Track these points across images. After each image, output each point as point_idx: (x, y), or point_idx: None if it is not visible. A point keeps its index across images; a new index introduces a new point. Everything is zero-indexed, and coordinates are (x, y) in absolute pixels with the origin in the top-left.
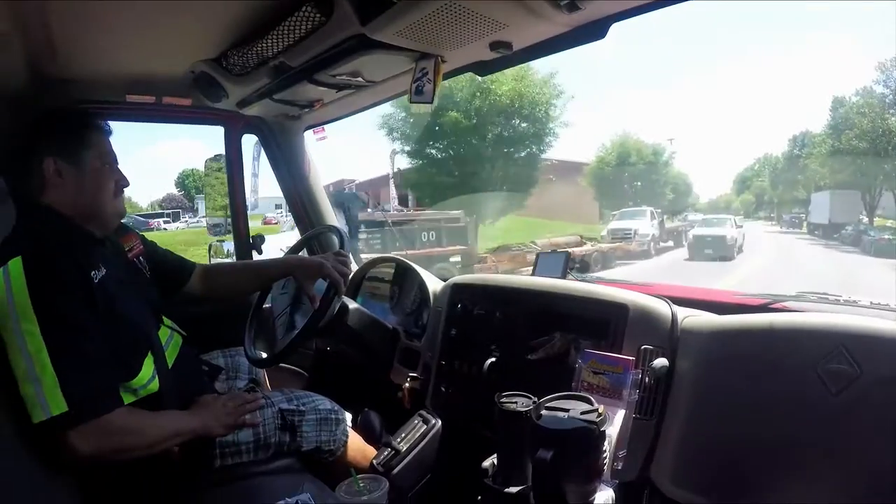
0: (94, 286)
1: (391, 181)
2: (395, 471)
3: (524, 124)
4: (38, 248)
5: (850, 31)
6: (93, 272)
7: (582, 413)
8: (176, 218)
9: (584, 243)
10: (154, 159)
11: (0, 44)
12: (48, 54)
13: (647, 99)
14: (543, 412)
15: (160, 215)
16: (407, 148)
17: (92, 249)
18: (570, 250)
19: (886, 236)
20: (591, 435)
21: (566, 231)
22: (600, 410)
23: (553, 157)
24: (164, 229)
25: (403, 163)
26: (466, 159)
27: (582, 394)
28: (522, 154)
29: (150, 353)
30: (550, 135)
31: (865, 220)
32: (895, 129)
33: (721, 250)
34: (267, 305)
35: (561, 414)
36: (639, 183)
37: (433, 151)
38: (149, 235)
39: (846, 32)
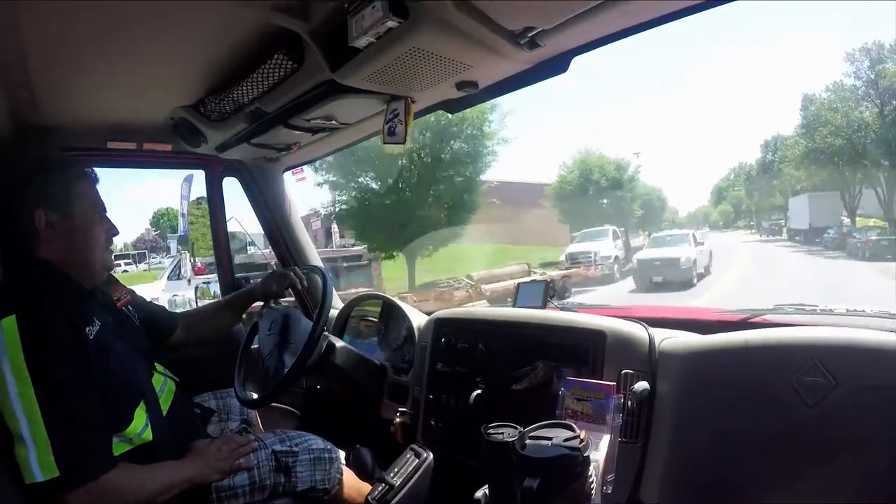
0: (90, 343)
1: (332, 217)
2: None
3: (457, 143)
4: (32, 307)
5: (817, 28)
6: (87, 328)
7: (565, 440)
8: (141, 259)
9: (532, 272)
10: (131, 200)
11: None
12: (30, 103)
13: (615, 116)
14: (527, 441)
15: (125, 257)
16: (332, 178)
17: (85, 303)
18: (516, 281)
19: (873, 237)
20: (574, 461)
21: (532, 257)
22: (582, 436)
23: (495, 179)
24: (125, 272)
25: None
26: (396, 186)
27: (564, 421)
28: (461, 177)
29: (142, 403)
30: (489, 154)
31: (847, 221)
32: (870, 123)
33: (675, 276)
34: (255, 346)
35: (544, 442)
36: (605, 201)
37: (360, 180)
38: None
39: (813, 30)
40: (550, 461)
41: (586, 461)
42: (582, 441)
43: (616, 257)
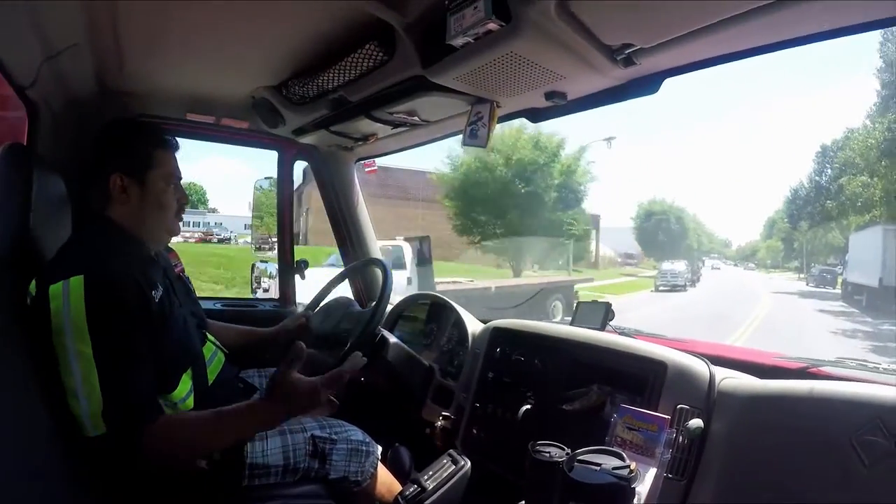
0: (153, 306)
1: None
2: None
3: None
4: (100, 269)
5: None
6: (153, 292)
7: (613, 468)
8: None
9: None
10: None
11: (70, 53)
12: (115, 67)
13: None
14: (575, 464)
15: None
16: None
17: (150, 268)
18: None
19: None
20: (622, 491)
21: None
22: (632, 467)
23: None
24: None
25: None
26: None
27: (615, 449)
28: None
29: (190, 370)
30: None
31: None
32: None
33: None
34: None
35: (593, 467)
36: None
37: None
38: None
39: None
40: (597, 488)
41: (632, 493)
42: (631, 472)
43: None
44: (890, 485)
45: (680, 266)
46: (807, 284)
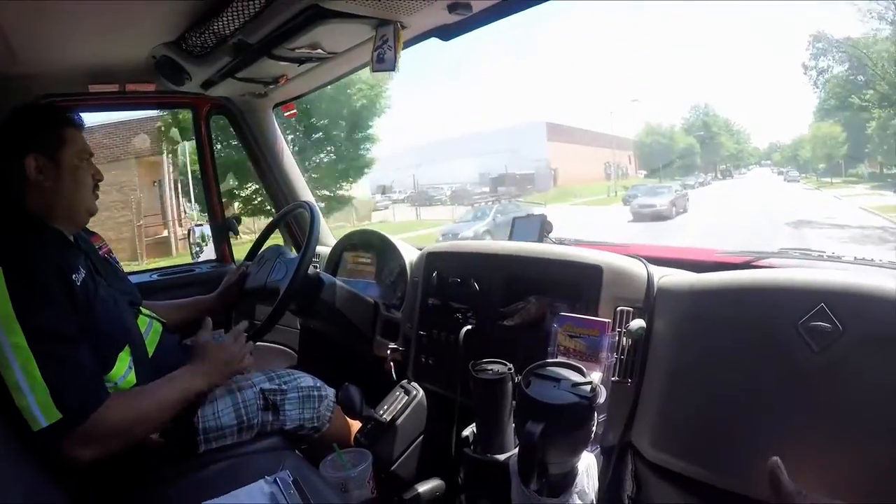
0: (77, 289)
1: None
2: (379, 443)
3: None
4: (18, 260)
5: None
6: (73, 275)
7: (574, 385)
8: None
9: None
10: None
11: None
12: (5, 53)
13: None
14: (532, 380)
15: None
16: None
17: (69, 252)
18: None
19: None
20: (585, 410)
21: None
22: (594, 384)
23: None
24: None
25: None
26: None
27: (572, 362)
28: None
29: (126, 347)
30: None
31: None
32: None
33: None
34: (248, 286)
35: (551, 384)
36: None
37: None
38: None
39: None
40: (560, 408)
41: (594, 409)
42: (593, 389)
43: None
44: (842, 368)
45: None
46: None
